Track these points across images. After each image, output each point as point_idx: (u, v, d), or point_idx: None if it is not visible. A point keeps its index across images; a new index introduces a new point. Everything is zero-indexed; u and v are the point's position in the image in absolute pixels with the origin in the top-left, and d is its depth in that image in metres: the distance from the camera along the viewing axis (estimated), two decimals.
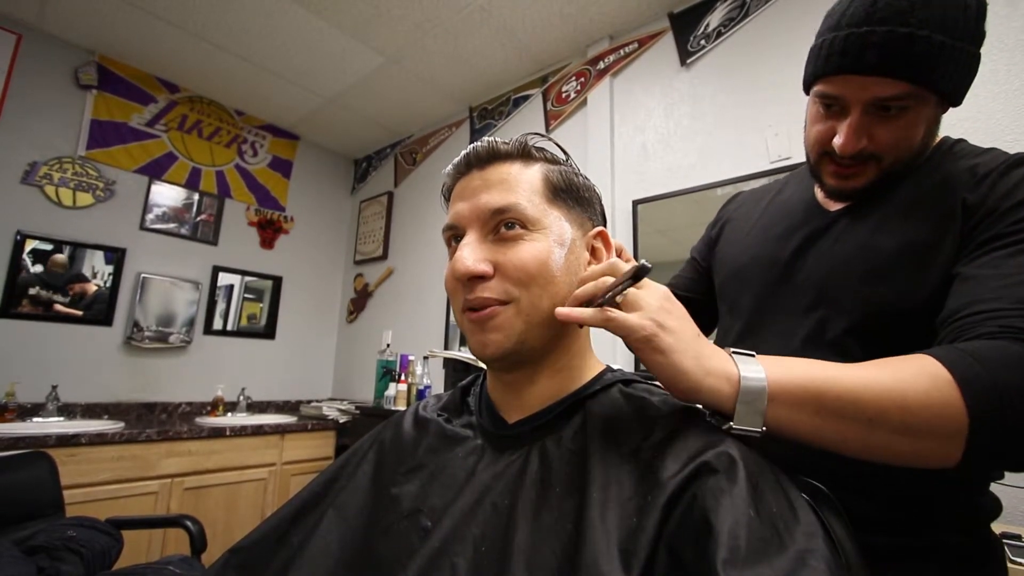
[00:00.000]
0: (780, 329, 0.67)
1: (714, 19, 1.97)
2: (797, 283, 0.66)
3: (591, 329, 0.58)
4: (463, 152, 0.55)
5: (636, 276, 0.44)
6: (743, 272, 0.75)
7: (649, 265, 0.42)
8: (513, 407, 0.54)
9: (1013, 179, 0.55)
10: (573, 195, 0.55)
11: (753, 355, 0.46)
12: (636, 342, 0.44)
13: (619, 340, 0.46)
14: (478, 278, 0.49)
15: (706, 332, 0.86)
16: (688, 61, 2.02)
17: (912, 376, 0.43)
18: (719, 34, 1.94)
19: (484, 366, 0.58)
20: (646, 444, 0.44)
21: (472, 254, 0.50)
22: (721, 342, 0.78)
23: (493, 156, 0.54)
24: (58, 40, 2.46)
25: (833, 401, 0.43)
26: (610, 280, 0.46)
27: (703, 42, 1.99)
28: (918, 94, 0.56)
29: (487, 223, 0.51)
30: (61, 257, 2.41)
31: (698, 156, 1.94)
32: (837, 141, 0.60)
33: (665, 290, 0.48)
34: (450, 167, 0.57)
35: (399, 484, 0.53)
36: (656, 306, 0.46)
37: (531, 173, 0.53)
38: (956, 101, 0.59)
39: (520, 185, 0.52)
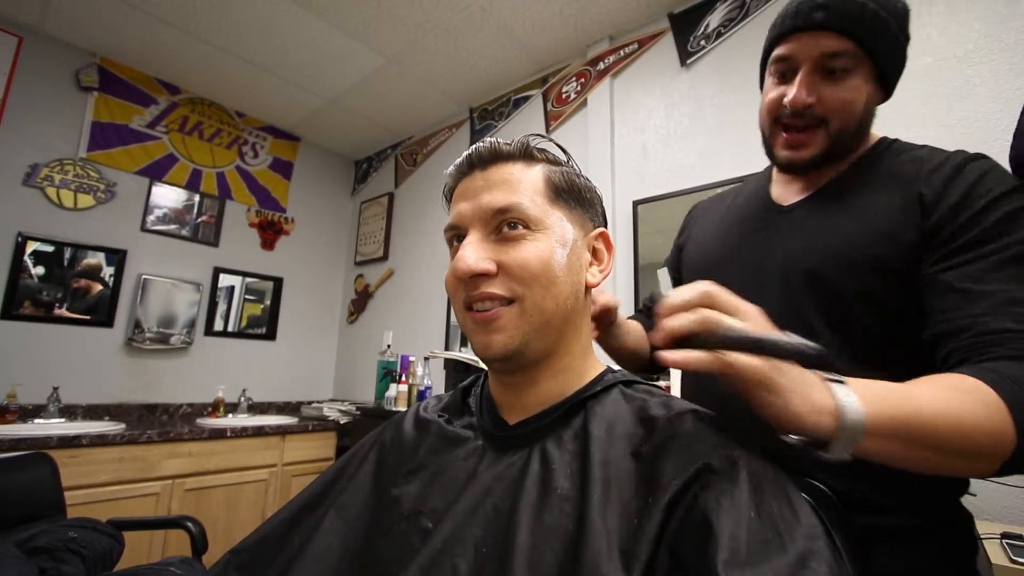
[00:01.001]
0: None
1: (714, 19, 1.97)
2: (758, 278, 0.69)
3: (590, 329, 0.58)
4: (465, 153, 0.55)
5: (804, 358, 0.39)
6: (707, 273, 0.77)
7: (827, 352, 0.39)
8: (514, 408, 0.54)
9: (970, 177, 0.58)
10: (575, 196, 0.55)
11: (844, 381, 0.44)
12: (749, 384, 0.42)
13: None
14: (480, 276, 0.49)
15: None
16: (688, 61, 2.02)
17: (972, 404, 0.45)
18: (719, 34, 1.94)
19: (485, 367, 0.58)
20: (647, 445, 0.44)
21: (474, 253, 0.50)
22: None
23: (495, 156, 0.54)
24: (59, 42, 2.47)
25: (917, 433, 0.44)
26: (717, 318, 0.41)
27: (703, 42, 1.99)
28: (858, 55, 0.62)
29: (489, 223, 0.51)
30: (95, 261, 2.48)
31: (698, 156, 1.94)
32: (788, 97, 0.65)
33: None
34: (452, 167, 0.57)
35: (400, 485, 0.53)
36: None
37: (533, 174, 0.54)
38: (888, 87, 0.67)
39: (522, 185, 0.52)
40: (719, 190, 1.79)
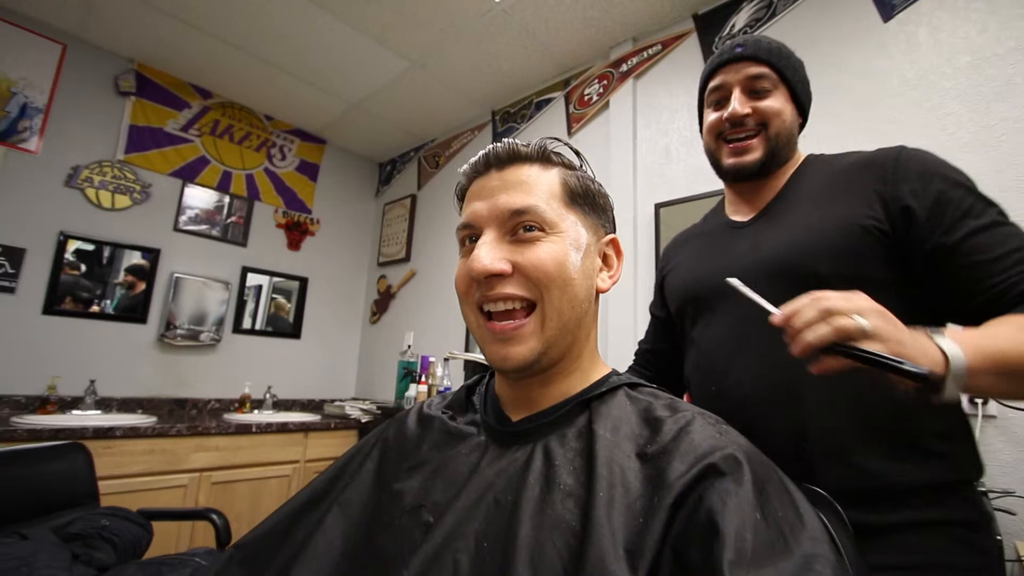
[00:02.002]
0: (735, 319, 0.76)
1: (740, 20, 1.94)
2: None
3: (598, 332, 0.59)
4: (482, 152, 0.56)
5: (915, 377, 0.44)
6: (691, 291, 0.87)
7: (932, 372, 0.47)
8: (520, 406, 0.54)
9: (915, 166, 0.67)
10: (589, 201, 0.56)
11: (944, 335, 0.51)
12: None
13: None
14: (495, 276, 0.49)
15: (679, 380, 0.93)
16: None
17: None
18: (745, 35, 1.91)
19: None
20: (652, 445, 0.44)
21: (490, 253, 0.50)
22: (689, 347, 0.86)
23: (513, 157, 0.54)
24: (100, 49, 2.58)
25: (1007, 367, 0.52)
26: (846, 325, 0.47)
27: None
28: (775, 79, 0.78)
29: (505, 223, 0.51)
30: (145, 262, 2.62)
31: None
32: (727, 112, 0.78)
33: (871, 303, 0.50)
34: (467, 166, 0.57)
35: (402, 480, 0.53)
36: (875, 312, 0.48)
37: (549, 176, 0.54)
38: (802, 109, 0.81)
39: (539, 187, 0.52)
40: None
